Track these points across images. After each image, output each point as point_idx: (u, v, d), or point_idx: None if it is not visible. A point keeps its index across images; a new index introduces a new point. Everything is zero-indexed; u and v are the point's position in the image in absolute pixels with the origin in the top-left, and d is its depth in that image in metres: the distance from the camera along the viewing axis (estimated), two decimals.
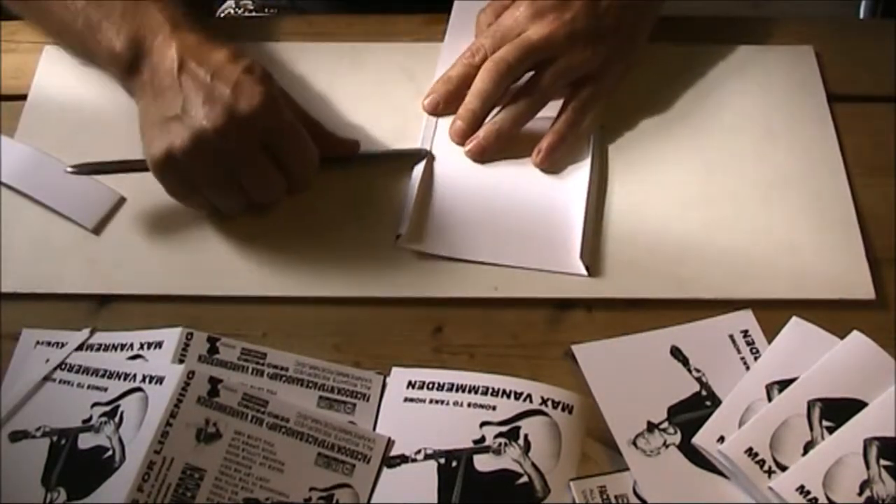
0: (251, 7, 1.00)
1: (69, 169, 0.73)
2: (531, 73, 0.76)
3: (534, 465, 0.62)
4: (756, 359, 0.66)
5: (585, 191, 0.74)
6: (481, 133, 0.75)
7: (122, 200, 0.75)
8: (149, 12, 0.71)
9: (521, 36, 0.75)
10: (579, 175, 0.75)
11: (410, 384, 0.66)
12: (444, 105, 0.78)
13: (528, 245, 0.72)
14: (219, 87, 0.66)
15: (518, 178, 0.76)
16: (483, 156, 0.76)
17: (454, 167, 0.76)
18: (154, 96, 0.69)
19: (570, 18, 0.74)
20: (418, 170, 0.75)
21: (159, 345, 0.67)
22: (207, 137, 0.66)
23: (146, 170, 0.69)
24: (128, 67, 0.71)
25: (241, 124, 0.66)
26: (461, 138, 0.76)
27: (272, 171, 0.70)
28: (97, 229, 0.73)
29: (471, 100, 0.76)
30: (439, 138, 0.77)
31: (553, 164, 0.75)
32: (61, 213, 0.74)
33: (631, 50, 0.78)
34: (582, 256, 0.71)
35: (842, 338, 0.66)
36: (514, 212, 0.74)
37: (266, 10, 1.00)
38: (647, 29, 0.79)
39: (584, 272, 0.70)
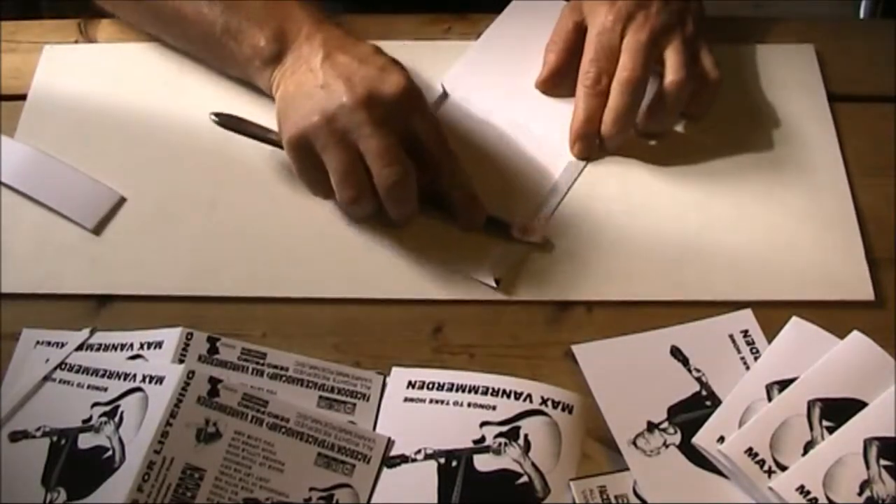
0: None
1: (213, 117, 0.75)
2: None
3: (534, 465, 0.62)
4: (756, 359, 0.66)
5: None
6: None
7: (122, 200, 0.75)
8: (291, 9, 0.73)
9: (627, 45, 0.75)
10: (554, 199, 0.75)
11: (410, 384, 0.66)
12: (595, 144, 0.77)
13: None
14: (364, 69, 0.68)
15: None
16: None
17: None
18: (297, 84, 0.70)
19: (656, 10, 0.75)
20: None
21: (159, 345, 0.67)
22: (344, 111, 0.67)
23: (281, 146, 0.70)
24: (270, 60, 0.73)
25: (384, 101, 0.67)
26: (618, 144, 0.76)
27: (403, 157, 0.68)
28: (97, 229, 0.73)
29: (619, 122, 0.75)
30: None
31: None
32: (61, 213, 0.74)
33: (703, 19, 0.79)
34: (494, 268, 0.71)
35: (842, 338, 0.66)
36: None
37: None
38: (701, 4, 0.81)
39: (493, 283, 0.70)
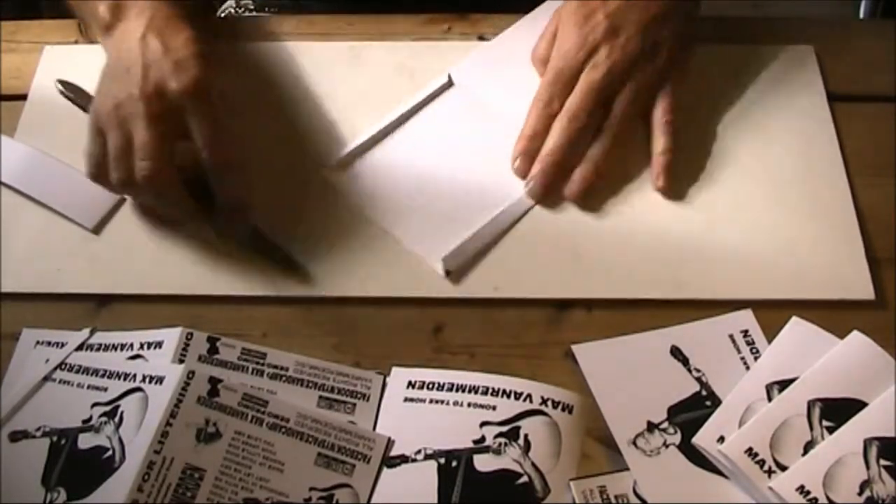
0: (251, 7, 1.00)
1: (58, 86, 0.78)
2: None
3: (534, 465, 0.62)
4: (756, 359, 0.66)
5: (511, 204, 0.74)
6: (578, 175, 0.74)
7: (122, 200, 0.75)
8: None
9: (581, 81, 0.75)
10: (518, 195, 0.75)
11: (410, 384, 0.66)
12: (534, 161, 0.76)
13: (423, 225, 0.73)
14: (163, 61, 0.68)
15: (464, 170, 0.77)
16: (585, 193, 0.74)
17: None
18: (115, 59, 0.71)
19: (622, 43, 0.75)
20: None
21: (159, 345, 0.67)
22: (132, 100, 0.68)
23: None
24: (105, 28, 0.73)
25: (167, 97, 0.67)
26: (548, 191, 0.74)
27: (161, 154, 0.68)
28: (97, 229, 0.73)
29: (554, 153, 0.74)
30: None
31: (670, 184, 0.75)
32: (62, 213, 0.74)
33: (686, 48, 0.78)
34: (446, 259, 0.71)
35: (842, 338, 0.66)
36: (437, 192, 0.75)
37: (266, 9, 1.00)
38: (692, 26, 0.79)
39: (441, 273, 0.71)
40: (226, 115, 0.69)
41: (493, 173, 0.76)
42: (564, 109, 0.75)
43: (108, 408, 0.64)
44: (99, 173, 0.70)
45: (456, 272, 0.71)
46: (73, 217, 0.74)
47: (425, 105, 0.80)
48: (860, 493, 0.60)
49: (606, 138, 0.75)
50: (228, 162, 0.70)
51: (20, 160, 0.77)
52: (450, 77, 0.81)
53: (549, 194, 0.75)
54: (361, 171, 0.77)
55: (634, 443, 0.63)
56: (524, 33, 0.83)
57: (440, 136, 0.79)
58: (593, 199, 0.75)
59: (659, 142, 0.76)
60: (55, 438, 0.64)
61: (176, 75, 0.68)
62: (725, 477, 0.62)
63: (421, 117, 0.80)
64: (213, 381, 0.64)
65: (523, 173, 0.75)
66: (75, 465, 0.62)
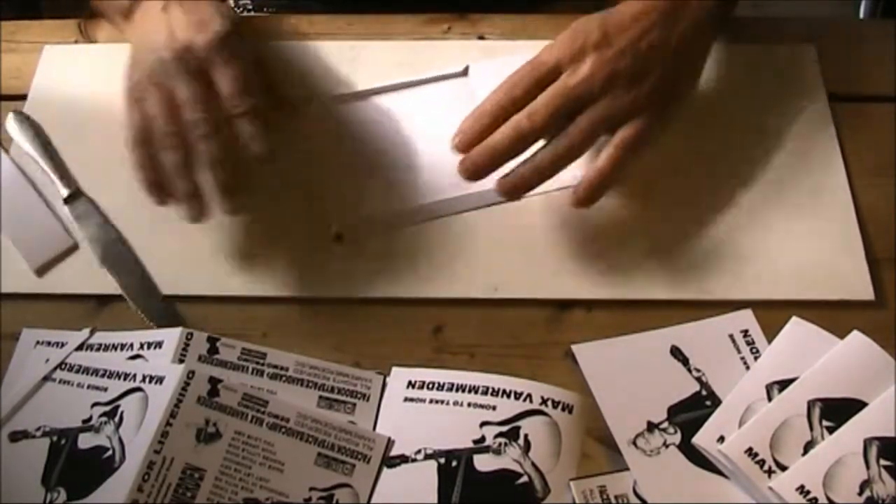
0: (250, 7, 1.00)
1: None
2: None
3: (534, 464, 0.62)
4: (756, 359, 0.66)
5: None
6: (517, 172, 0.69)
7: (74, 247, 0.73)
8: None
9: (559, 81, 0.69)
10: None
11: (410, 384, 0.66)
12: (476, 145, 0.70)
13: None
14: (187, 22, 0.69)
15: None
16: (517, 195, 0.69)
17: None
18: (140, 34, 0.72)
19: (611, 57, 0.68)
20: None
21: (159, 345, 0.67)
22: (161, 66, 0.68)
23: None
24: (126, 14, 0.74)
25: (196, 51, 0.68)
26: (475, 176, 0.69)
27: (214, 102, 0.68)
28: (40, 272, 0.72)
29: (496, 144, 0.69)
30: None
31: (591, 204, 0.69)
32: (12, 243, 0.73)
33: (679, 89, 0.72)
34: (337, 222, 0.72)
35: (842, 338, 0.66)
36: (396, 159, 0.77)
37: (265, 9, 1.00)
38: (698, 66, 0.74)
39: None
40: (251, 69, 0.70)
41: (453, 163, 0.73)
42: (529, 105, 0.69)
43: (108, 408, 0.64)
44: (143, 139, 0.69)
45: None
46: (22, 253, 0.72)
47: (431, 82, 0.81)
48: (860, 493, 0.60)
49: (561, 146, 0.68)
50: (250, 111, 0.68)
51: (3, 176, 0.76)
52: (466, 68, 0.81)
53: (477, 178, 0.69)
54: (349, 113, 0.79)
55: (634, 443, 0.63)
56: None
57: (429, 113, 0.79)
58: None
59: (601, 158, 0.69)
60: (55, 438, 0.64)
61: (200, 32, 0.69)
62: (725, 477, 0.62)
63: (421, 91, 0.81)
64: (213, 381, 0.64)
65: (461, 149, 0.69)
66: (75, 465, 0.62)
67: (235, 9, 1.01)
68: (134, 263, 0.72)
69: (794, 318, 0.68)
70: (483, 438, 0.63)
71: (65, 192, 0.75)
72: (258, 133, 0.68)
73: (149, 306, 0.70)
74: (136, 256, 0.72)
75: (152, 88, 0.68)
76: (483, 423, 0.64)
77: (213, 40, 0.68)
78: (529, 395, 0.65)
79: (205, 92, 0.68)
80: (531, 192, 0.70)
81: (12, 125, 0.78)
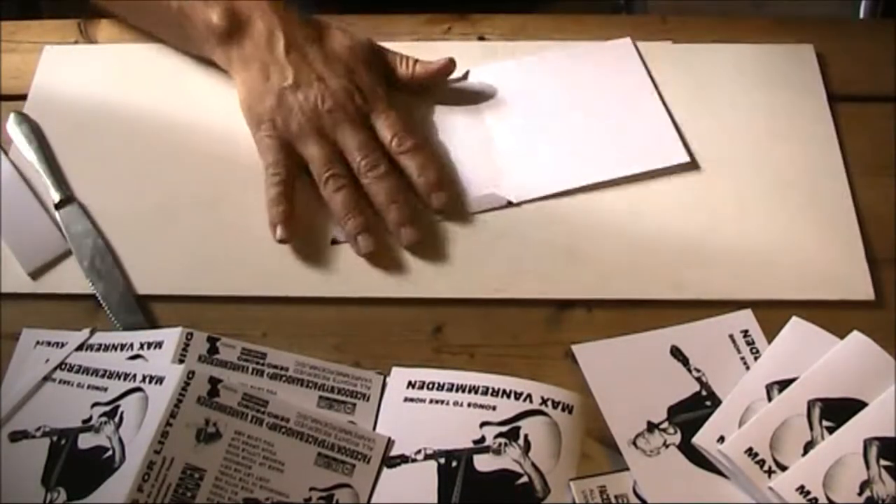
0: None
1: None
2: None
3: (534, 465, 0.62)
4: (756, 359, 0.66)
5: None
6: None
7: (69, 251, 0.73)
8: None
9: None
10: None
11: (410, 384, 0.66)
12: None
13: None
14: (332, 67, 0.74)
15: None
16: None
17: None
18: (260, 71, 0.74)
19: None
20: None
21: (159, 345, 0.67)
22: (321, 114, 0.72)
23: None
24: (225, 37, 0.75)
25: (352, 109, 0.73)
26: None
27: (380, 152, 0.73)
28: (35, 275, 0.72)
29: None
30: None
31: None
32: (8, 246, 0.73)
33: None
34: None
35: (842, 338, 0.66)
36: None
37: None
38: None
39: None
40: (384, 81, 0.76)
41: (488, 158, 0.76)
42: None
43: (108, 408, 0.64)
44: (288, 176, 0.73)
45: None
46: (16, 256, 0.72)
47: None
48: (860, 493, 0.60)
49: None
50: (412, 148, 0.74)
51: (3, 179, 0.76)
52: (467, 73, 0.81)
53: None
54: None
55: (634, 443, 0.63)
56: (574, 60, 0.83)
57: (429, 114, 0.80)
58: (593, 198, 0.75)
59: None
60: (55, 438, 0.64)
61: (353, 80, 0.74)
62: (725, 477, 0.62)
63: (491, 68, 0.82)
64: (213, 381, 0.64)
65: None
66: (75, 465, 0.62)
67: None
68: (117, 277, 0.71)
69: (794, 319, 0.68)
70: (483, 438, 0.63)
71: (56, 198, 0.74)
72: (426, 164, 0.74)
73: (128, 323, 0.69)
74: (121, 269, 0.71)
75: (312, 133, 0.72)
76: (483, 424, 0.64)
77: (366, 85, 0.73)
78: (529, 396, 0.65)
79: (370, 137, 0.73)
80: (530, 196, 0.73)
81: (13, 127, 0.78)
